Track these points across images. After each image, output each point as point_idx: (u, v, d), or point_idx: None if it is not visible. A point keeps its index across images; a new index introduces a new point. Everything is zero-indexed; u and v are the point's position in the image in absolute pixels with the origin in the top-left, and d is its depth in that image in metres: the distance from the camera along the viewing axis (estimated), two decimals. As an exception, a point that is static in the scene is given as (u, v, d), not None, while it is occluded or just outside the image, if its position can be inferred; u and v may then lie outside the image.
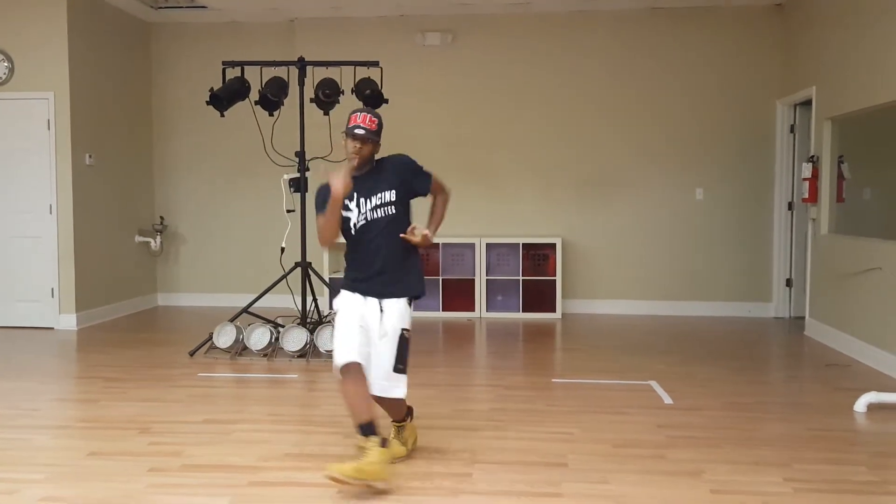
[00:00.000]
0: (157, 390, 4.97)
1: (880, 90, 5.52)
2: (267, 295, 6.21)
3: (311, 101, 6.05)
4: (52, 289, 7.14)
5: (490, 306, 7.90)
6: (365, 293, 3.50)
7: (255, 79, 6.11)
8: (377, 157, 3.56)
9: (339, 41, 8.08)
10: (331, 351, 5.10)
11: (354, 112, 3.50)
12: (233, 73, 6.15)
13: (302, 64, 6.05)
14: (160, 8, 7.98)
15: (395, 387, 3.49)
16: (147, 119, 8.53)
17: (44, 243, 7.13)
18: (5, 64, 7.05)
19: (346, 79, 6.16)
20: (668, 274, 7.99)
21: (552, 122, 8.03)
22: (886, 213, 5.92)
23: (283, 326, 5.98)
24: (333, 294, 3.99)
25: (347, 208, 3.46)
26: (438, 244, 7.87)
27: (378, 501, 3.21)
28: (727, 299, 7.93)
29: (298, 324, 5.95)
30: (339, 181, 3.30)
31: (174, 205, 8.62)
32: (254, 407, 4.63)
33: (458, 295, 7.90)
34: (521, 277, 7.84)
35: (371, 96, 6.07)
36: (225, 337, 5.96)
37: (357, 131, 3.42)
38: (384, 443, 3.33)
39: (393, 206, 3.48)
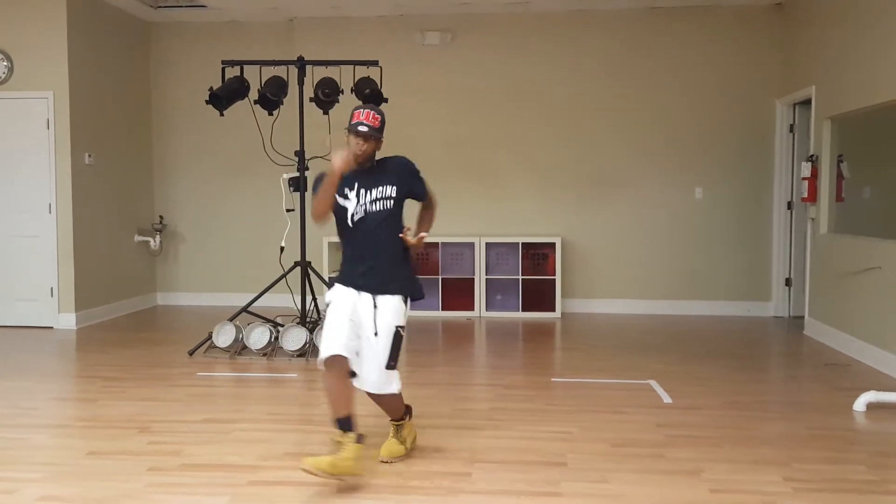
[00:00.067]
0: (156, 389, 4.97)
1: (880, 89, 5.52)
2: (266, 294, 6.21)
3: (311, 100, 6.05)
4: (52, 288, 7.14)
5: (489, 305, 7.90)
6: (359, 288, 3.48)
7: (255, 78, 6.11)
8: (378, 156, 3.57)
9: (339, 40, 8.08)
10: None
11: (357, 109, 3.49)
12: (232, 72, 6.15)
13: (301, 63, 6.04)
14: (160, 7, 7.98)
15: (390, 383, 3.51)
16: (146, 118, 8.52)
17: (43, 243, 7.12)
18: (4, 63, 7.04)
19: (345, 78, 6.16)
20: (667, 273, 7.99)
21: (551, 122, 8.03)
22: (886, 213, 5.92)
23: (282, 326, 5.98)
24: None
25: (346, 197, 3.46)
26: (438, 243, 7.87)
27: (378, 501, 3.21)
28: (726, 299, 7.94)
29: (298, 323, 5.94)
30: (339, 157, 3.31)
31: (173, 204, 8.62)
32: (253, 406, 4.63)
33: (458, 294, 7.90)
34: (520, 277, 7.84)
35: (370, 96, 6.07)
36: (224, 336, 5.96)
37: (360, 128, 3.42)
38: (360, 438, 3.34)
39: (392, 202, 3.49)
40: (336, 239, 3.70)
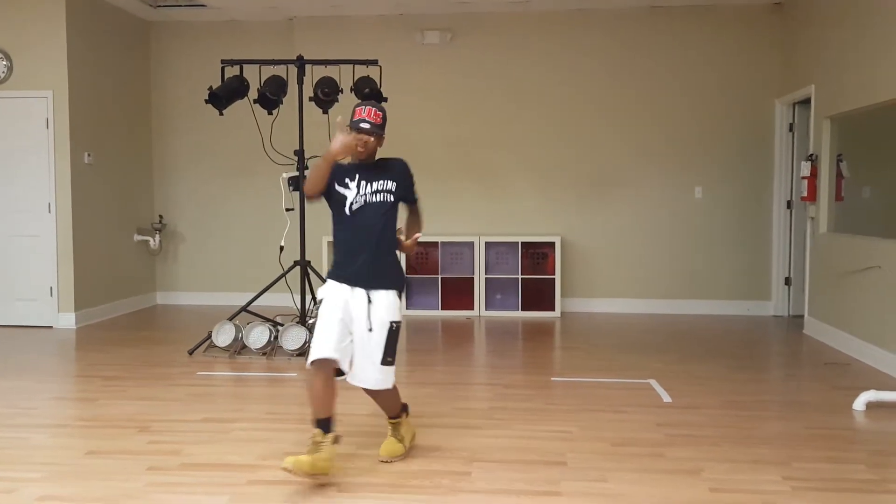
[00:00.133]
0: (155, 389, 4.97)
1: (879, 89, 5.52)
2: (266, 293, 6.20)
3: (310, 99, 6.04)
4: (51, 287, 7.14)
5: (489, 305, 7.90)
6: (353, 283, 3.45)
7: (254, 77, 6.11)
8: (378, 156, 3.57)
9: (338, 40, 8.08)
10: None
11: (359, 106, 3.49)
12: (232, 71, 6.14)
13: (301, 62, 6.04)
14: (159, 6, 7.97)
15: (386, 379, 3.50)
16: (146, 118, 8.52)
17: (43, 242, 7.12)
18: (4, 62, 7.04)
19: (345, 77, 6.16)
20: (666, 272, 7.99)
21: (551, 121, 8.03)
22: (885, 212, 5.92)
23: (282, 325, 5.98)
24: None
25: (347, 187, 3.45)
26: (437, 243, 7.88)
27: (378, 500, 3.21)
28: (726, 298, 7.94)
29: (297, 322, 5.94)
30: (339, 141, 3.29)
31: (173, 203, 8.62)
32: (253, 405, 4.63)
33: (457, 293, 7.90)
34: (520, 276, 7.84)
35: (370, 95, 6.06)
36: (224, 335, 5.96)
37: (362, 125, 3.42)
38: (337, 439, 3.36)
39: (392, 196, 3.49)
40: None
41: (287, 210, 6.16)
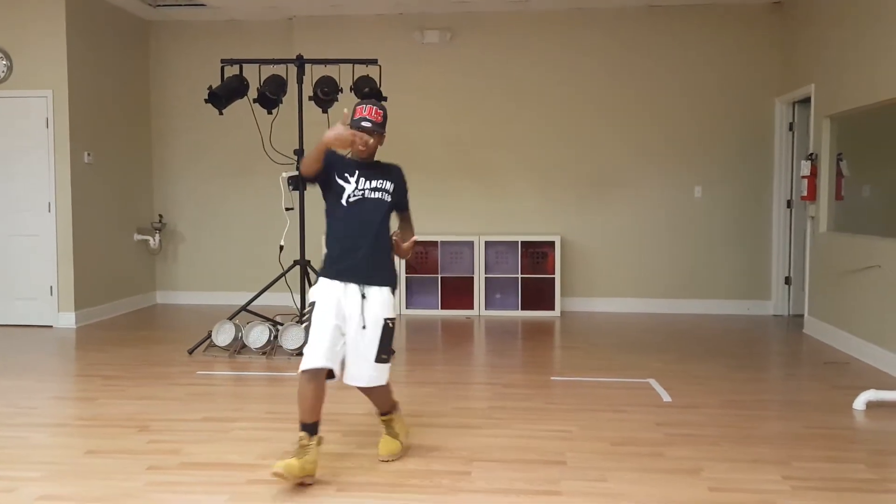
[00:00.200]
0: (155, 388, 4.97)
1: (879, 88, 5.52)
2: (266, 293, 6.20)
3: (310, 98, 6.04)
4: (51, 287, 7.14)
5: (489, 304, 7.90)
6: (347, 279, 3.42)
7: (254, 77, 6.11)
8: (376, 158, 3.57)
9: (338, 39, 8.08)
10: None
11: (360, 104, 3.48)
12: (231, 71, 6.14)
13: (300, 62, 6.04)
14: (159, 6, 7.97)
15: (381, 376, 3.49)
16: (146, 117, 8.52)
17: (42, 241, 7.12)
18: (4, 62, 7.04)
19: (344, 77, 6.16)
20: (666, 272, 7.99)
21: (551, 120, 8.03)
22: (885, 211, 5.92)
23: (281, 324, 5.98)
24: None
25: (346, 180, 3.43)
26: (437, 242, 7.87)
27: (377, 500, 3.21)
28: (726, 297, 7.94)
29: (297, 322, 5.94)
30: (334, 132, 3.20)
31: (173, 203, 8.62)
32: (253, 405, 4.63)
33: (457, 293, 7.90)
34: (519, 275, 7.84)
35: (370, 94, 6.06)
36: (224, 335, 5.96)
37: (364, 124, 3.42)
38: (321, 441, 3.37)
39: (389, 196, 3.49)
40: None
41: (287, 209, 6.16)
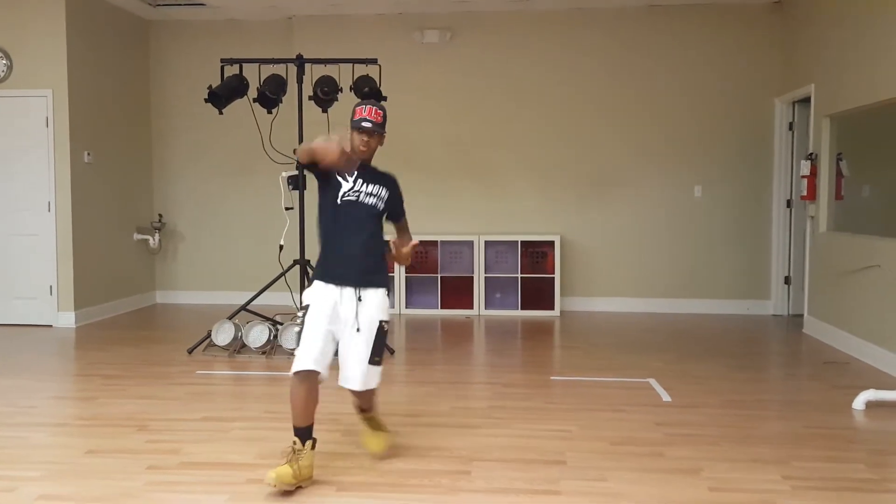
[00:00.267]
0: (155, 388, 4.97)
1: (879, 87, 5.52)
2: (265, 292, 6.20)
3: (310, 98, 6.04)
4: (51, 286, 7.14)
5: (488, 304, 7.90)
6: (342, 282, 3.40)
7: (254, 76, 6.10)
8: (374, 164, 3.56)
9: (338, 38, 8.07)
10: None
11: (359, 105, 3.47)
12: (231, 70, 6.14)
13: (300, 61, 6.04)
14: (159, 6, 7.97)
15: (373, 379, 3.48)
16: (145, 117, 8.52)
17: (42, 241, 7.12)
18: (3, 61, 7.04)
19: (344, 76, 6.16)
20: (666, 271, 7.99)
21: (551, 120, 8.03)
22: (885, 211, 5.92)
23: (281, 324, 5.98)
24: None
25: (345, 178, 3.42)
26: (437, 242, 7.87)
27: (377, 499, 3.21)
28: (725, 297, 7.94)
29: (297, 321, 5.94)
30: (323, 141, 3.11)
31: (173, 202, 8.61)
32: (252, 404, 4.63)
33: (457, 292, 7.90)
34: (519, 275, 7.84)
35: (369, 94, 6.05)
36: (223, 334, 5.96)
37: (364, 124, 3.40)
38: (314, 444, 3.35)
39: (382, 203, 3.47)
40: None
41: (286, 209, 6.16)
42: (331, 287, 3.40)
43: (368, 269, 3.45)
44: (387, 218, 3.57)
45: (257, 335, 5.90)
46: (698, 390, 4.91)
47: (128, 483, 3.36)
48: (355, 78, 6.14)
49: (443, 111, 8.12)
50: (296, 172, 6.00)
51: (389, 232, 3.55)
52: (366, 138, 3.42)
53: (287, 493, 3.23)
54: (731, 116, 7.84)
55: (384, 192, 3.48)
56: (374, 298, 3.44)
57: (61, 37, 6.98)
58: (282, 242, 6.23)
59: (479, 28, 8.04)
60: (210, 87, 5.94)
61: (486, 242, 7.87)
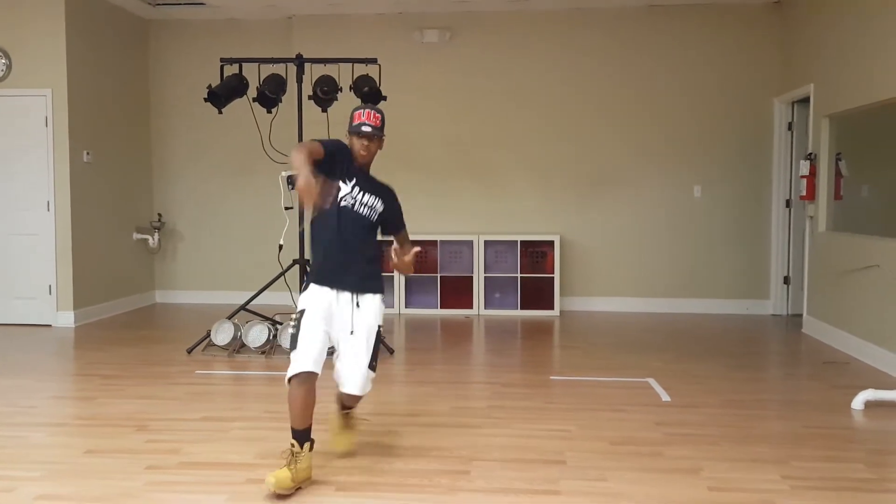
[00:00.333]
0: (154, 388, 4.97)
1: (878, 87, 5.52)
2: (265, 292, 6.20)
3: (310, 98, 6.04)
4: (50, 286, 7.13)
5: (488, 303, 7.90)
6: (339, 287, 3.41)
7: (253, 76, 6.10)
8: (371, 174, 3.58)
9: (338, 38, 8.07)
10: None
11: (357, 110, 3.48)
12: (231, 70, 6.14)
13: (300, 61, 6.04)
14: (158, 5, 7.96)
15: (370, 383, 3.50)
16: (145, 116, 8.51)
17: (41, 240, 7.11)
18: (3, 61, 7.03)
19: (344, 76, 6.16)
20: (665, 271, 8.00)
21: (550, 120, 8.03)
22: (884, 211, 5.93)
23: (280, 324, 5.98)
24: None
25: (345, 181, 3.42)
26: (436, 241, 7.87)
27: (377, 499, 3.21)
28: (725, 297, 7.94)
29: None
30: (306, 190, 3.04)
31: (172, 202, 8.61)
32: (252, 404, 4.63)
33: (456, 292, 7.90)
34: (519, 275, 7.84)
35: (369, 93, 6.07)
36: (223, 334, 5.95)
37: (364, 129, 3.42)
38: (312, 446, 3.35)
39: (376, 215, 3.48)
40: None
41: (286, 209, 6.15)
42: (325, 289, 3.40)
43: (366, 275, 3.47)
44: (385, 231, 3.58)
45: (256, 335, 5.90)
46: (698, 390, 4.91)
47: (127, 483, 3.36)
48: (355, 78, 6.14)
49: (443, 111, 8.11)
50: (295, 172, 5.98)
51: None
52: (366, 142, 3.43)
53: (286, 495, 3.23)
54: (730, 116, 7.85)
55: (379, 205, 3.49)
56: (372, 304, 3.46)
57: (61, 36, 6.98)
58: (281, 242, 6.22)
59: (478, 28, 8.04)
60: (210, 86, 5.94)
61: (486, 242, 7.87)
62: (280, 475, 3.18)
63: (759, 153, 7.83)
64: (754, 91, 7.79)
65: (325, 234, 3.43)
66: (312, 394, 3.33)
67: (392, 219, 3.57)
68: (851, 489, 3.31)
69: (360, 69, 6.23)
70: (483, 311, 7.89)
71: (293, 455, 3.26)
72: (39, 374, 5.38)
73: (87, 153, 7.35)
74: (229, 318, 6.04)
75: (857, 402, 4.51)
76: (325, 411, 3.97)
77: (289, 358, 3.34)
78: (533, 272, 7.85)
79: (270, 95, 6.03)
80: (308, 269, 6.07)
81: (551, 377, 5.28)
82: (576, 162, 8.03)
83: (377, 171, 3.61)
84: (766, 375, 5.53)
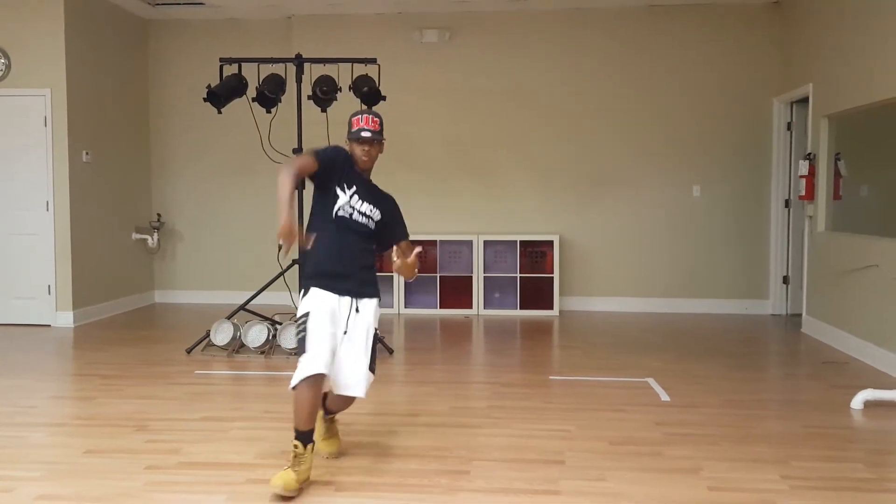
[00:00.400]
0: (154, 388, 4.97)
1: (877, 87, 5.52)
2: (264, 292, 6.20)
3: (309, 98, 6.04)
4: (49, 286, 7.13)
5: (487, 303, 7.90)
6: (341, 292, 3.42)
7: (253, 76, 6.10)
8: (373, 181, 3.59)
9: (337, 38, 8.07)
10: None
11: (356, 115, 3.49)
12: (230, 69, 6.13)
13: (299, 61, 6.03)
14: (158, 5, 7.96)
15: (368, 386, 3.49)
16: (144, 116, 8.51)
17: (41, 240, 7.11)
18: (2, 60, 7.03)
19: (343, 76, 6.15)
20: (665, 271, 8.00)
21: (550, 120, 8.03)
22: (883, 211, 5.93)
23: (280, 324, 5.98)
24: None
25: (343, 190, 3.43)
26: (436, 241, 7.87)
27: (376, 499, 3.21)
28: (724, 297, 7.94)
29: (295, 321, 5.93)
30: (289, 227, 3.22)
31: (171, 202, 8.61)
32: (251, 404, 4.63)
33: (456, 292, 7.90)
34: (518, 275, 7.84)
35: (369, 93, 6.06)
36: (222, 334, 5.95)
37: (363, 134, 3.43)
38: (313, 447, 3.35)
39: (374, 225, 3.49)
40: None
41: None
42: (327, 293, 3.42)
43: (364, 281, 3.49)
44: (386, 239, 3.57)
45: (256, 335, 5.90)
46: (697, 390, 4.91)
47: (127, 483, 3.36)
48: (354, 77, 6.14)
49: (442, 111, 8.11)
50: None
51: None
52: (366, 147, 3.44)
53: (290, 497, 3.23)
54: (730, 116, 7.85)
55: (377, 214, 3.50)
56: (371, 308, 3.49)
57: (60, 36, 6.97)
58: (281, 242, 6.22)
59: (478, 28, 8.04)
60: (209, 86, 5.93)
61: (486, 242, 7.87)
62: (286, 477, 3.17)
63: (759, 153, 7.84)
64: (754, 91, 7.79)
65: (323, 242, 3.43)
66: (319, 396, 3.34)
67: (393, 226, 3.58)
68: (851, 489, 3.31)
69: (360, 69, 6.23)
70: (482, 311, 7.89)
71: (297, 456, 3.26)
72: (39, 374, 5.38)
73: (87, 153, 7.34)
74: (229, 318, 6.04)
75: (857, 401, 4.51)
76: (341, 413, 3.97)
77: (288, 358, 3.33)
78: (532, 272, 7.85)
79: (270, 95, 6.02)
80: (301, 272, 6.10)
81: (551, 377, 5.28)
82: (576, 162, 8.03)
83: (377, 170, 3.62)
84: (766, 375, 5.53)
